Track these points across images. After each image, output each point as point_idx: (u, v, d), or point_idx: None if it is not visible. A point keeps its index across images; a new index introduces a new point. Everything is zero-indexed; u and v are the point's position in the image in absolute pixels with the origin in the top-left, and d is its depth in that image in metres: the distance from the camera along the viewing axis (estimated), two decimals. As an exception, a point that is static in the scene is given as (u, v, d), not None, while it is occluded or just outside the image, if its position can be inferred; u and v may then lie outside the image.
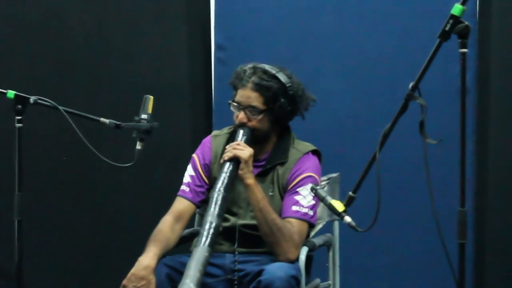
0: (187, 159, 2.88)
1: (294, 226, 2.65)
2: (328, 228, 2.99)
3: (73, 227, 3.99)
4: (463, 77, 2.11)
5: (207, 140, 2.89)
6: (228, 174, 2.65)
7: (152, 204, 3.65)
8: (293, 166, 2.75)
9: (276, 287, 2.44)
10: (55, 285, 4.00)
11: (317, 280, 2.89)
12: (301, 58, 3.84)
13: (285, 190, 2.74)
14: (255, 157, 2.71)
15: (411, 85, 2.11)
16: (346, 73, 3.87)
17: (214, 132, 2.92)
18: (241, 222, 2.73)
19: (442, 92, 3.62)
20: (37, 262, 3.81)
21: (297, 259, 2.63)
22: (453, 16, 2.05)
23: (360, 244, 3.68)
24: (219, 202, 2.58)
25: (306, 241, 2.72)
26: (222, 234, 2.68)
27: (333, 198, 2.30)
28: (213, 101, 3.98)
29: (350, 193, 2.22)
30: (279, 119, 2.77)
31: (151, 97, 2.74)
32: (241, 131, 2.74)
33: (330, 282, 2.96)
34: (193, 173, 2.81)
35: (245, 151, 2.66)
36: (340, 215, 2.24)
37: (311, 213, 2.69)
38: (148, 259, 2.55)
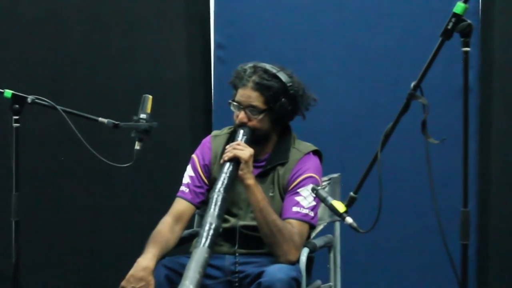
0: (187, 160, 2.87)
1: (295, 227, 2.64)
2: (329, 229, 2.98)
3: (71, 228, 3.98)
4: (465, 76, 2.10)
5: (206, 141, 2.88)
6: (228, 175, 2.64)
7: (151, 204, 3.66)
8: (294, 166, 2.74)
9: (276, 289, 2.44)
10: (52, 286, 4.00)
11: (318, 282, 2.88)
12: (302, 57, 3.84)
13: (286, 191, 2.73)
14: (255, 158, 2.70)
15: (413, 84, 2.10)
16: (347, 72, 3.86)
17: (214, 132, 2.91)
18: (241, 223, 2.72)
19: (444, 91, 3.61)
20: (35, 263, 3.81)
21: (297, 261, 2.62)
22: (455, 15, 2.05)
23: (362, 245, 3.68)
24: (219, 203, 2.57)
25: (306, 242, 2.72)
26: (222, 235, 2.67)
27: (334, 198, 2.30)
28: (212, 101, 3.97)
29: (351, 193, 2.22)
30: (279, 119, 2.77)
31: (150, 96, 2.74)
32: (241, 131, 2.73)
33: (331, 283, 2.96)
34: (192, 174, 2.80)
35: (245, 151, 2.65)
36: (341, 216, 2.24)
37: (311, 214, 2.68)
38: (147, 260, 2.55)
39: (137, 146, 2.70)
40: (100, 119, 2.73)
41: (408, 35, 3.78)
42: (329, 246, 2.94)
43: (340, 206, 2.23)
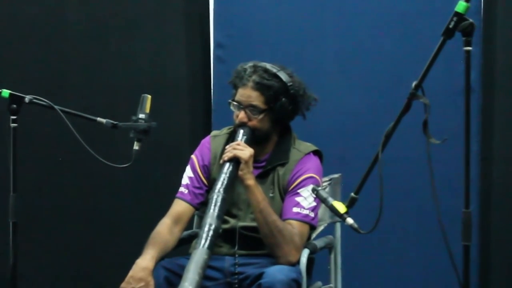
0: (186, 160, 2.86)
1: (295, 228, 2.64)
2: (329, 230, 2.97)
3: (69, 229, 3.98)
4: (467, 76, 2.10)
5: (206, 141, 2.87)
6: (227, 175, 2.63)
7: (150, 205, 3.67)
8: (294, 167, 2.74)
9: (276, 291, 2.43)
10: (50, 287, 3.98)
11: (319, 283, 2.87)
12: (302, 56, 3.83)
13: (286, 191, 2.72)
14: (255, 158, 2.69)
15: (414, 84, 2.09)
16: (348, 72, 3.86)
17: (213, 132, 2.90)
18: (241, 224, 2.71)
19: (446, 91, 3.61)
20: (32, 264, 3.81)
21: (298, 262, 2.61)
22: (457, 14, 2.05)
23: (362, 246, 3.67)
24: (218, 204, 2.56)
25: (307, 243, 2.71)
26: (222, 236, 2.66)
27: (335, 199, 2.29)
28: (212, 100, 3.96)
29: (352, 194, 2.21)
30: (280, 118, 2.76)
31: (149, 96, 2.74)
32: (241, 131, 2.72)
33: (331, 285, 2.95)
34: (191, 175, 2.80)
35: (245, 151, 2.63)
36: (342, 217, 2.23)
37: (312, 214, 2.67)
38: (146, 261, 2.55)
39: (135, 147, 2.70)
40: (99, 119, 2.72)
41: (409, 34, 3.77)
42: (329, 247, 2.93)
43: (341, 207, 2.22)
